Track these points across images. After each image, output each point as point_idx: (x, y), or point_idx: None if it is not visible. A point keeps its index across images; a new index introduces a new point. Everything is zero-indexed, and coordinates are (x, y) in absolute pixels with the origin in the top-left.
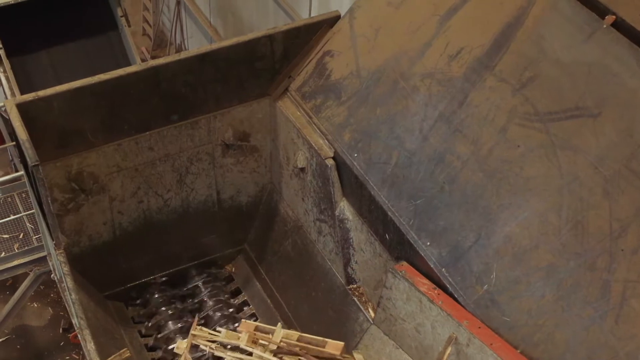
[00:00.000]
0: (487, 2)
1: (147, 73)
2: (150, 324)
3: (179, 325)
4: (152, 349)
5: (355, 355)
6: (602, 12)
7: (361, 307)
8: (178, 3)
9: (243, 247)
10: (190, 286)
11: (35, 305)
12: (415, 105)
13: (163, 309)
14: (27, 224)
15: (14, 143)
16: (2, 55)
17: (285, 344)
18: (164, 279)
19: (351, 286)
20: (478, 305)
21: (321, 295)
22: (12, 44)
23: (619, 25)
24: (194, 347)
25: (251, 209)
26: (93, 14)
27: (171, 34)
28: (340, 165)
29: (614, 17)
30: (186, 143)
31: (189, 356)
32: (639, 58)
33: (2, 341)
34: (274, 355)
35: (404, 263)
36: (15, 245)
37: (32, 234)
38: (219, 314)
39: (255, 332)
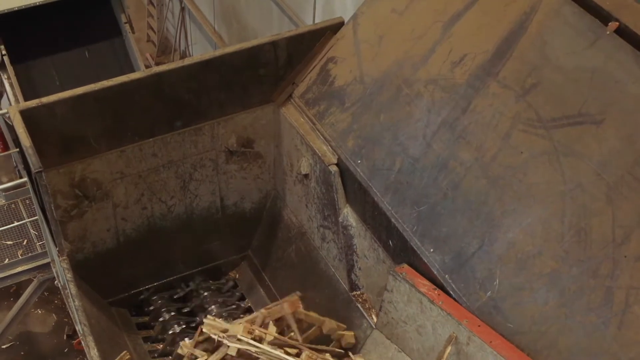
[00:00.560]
0: (490, 8)
1: (151, 79)
2: (154, 330)
3: (184, 330)
4: (158, 355)
5: (357, 359)
6: (605, 18)
7: (365, 313)
8: (182, 9)
9: (247, 253)
10: (194, 293)
11: (40, 311)
12: (418, 111)
13: (167, 315)
14: (31, 230)
15: (18, 149)
16: (6, 62)
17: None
18: (167, 285)
19: (355, 293)
20: (481, 311)
21: (325, 301)
22: (16, 50)
23: (622, 32)
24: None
25: (255, 216)
26: (97, 21)
27: (175, 40)
28: (344, 171)
29: (617, 23)
30: (190, 149)
31: (195, 351)
32: None
33: (6, 347)
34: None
35: (405, 265)
36: (19, 252)
37: (35, 241)
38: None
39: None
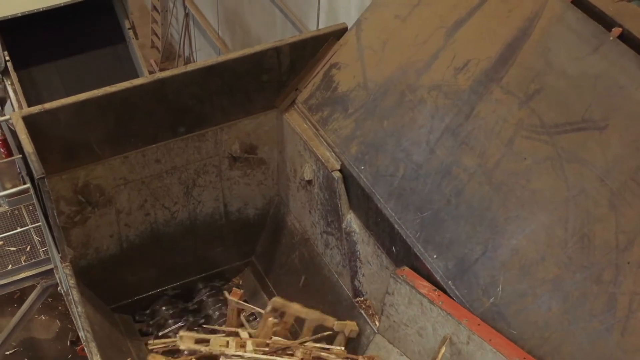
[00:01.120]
0: (493, 14)
1: (154, 85)
2: (157, 337)
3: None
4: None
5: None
6: (608, 24)
7: (368, 319)
8: (186, 15)
9: (250, 259)
10: (197, 299)
11: (43, 317)
12: (422, 117)
13: (170, 321)
14: (34, 236)
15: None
16: (9, 68)
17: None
18: (171, 291)
19: (358, 299)
20: (485, 318)
21: (328, 308)
22: (20, 56)
23: (626, 38)
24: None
25: (258, 222)
26: (101, 27)
27: (180, 46)
28: (347, 177)
29: (620, 29)
30: (193, 155)
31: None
32: None
33: (10, 354)
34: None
35: (405, 268)
36: (22, 258)
37: (39, 247)
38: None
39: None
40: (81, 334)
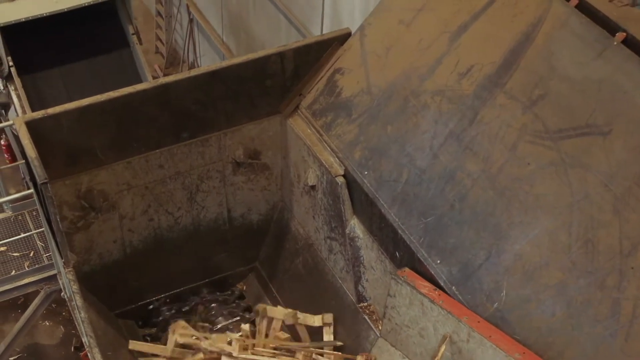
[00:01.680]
0: (497, 19)
1: (157, 90)
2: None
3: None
4: None
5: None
6: (612, 29)
7: (372, 325)
8: (191, 21)
9: (254, 265)
10: (201, 305)
11: (47, 323)
12: (425, 122)
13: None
14: (38, 242)
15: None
16: (13, 73)
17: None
18: (174, 297)
19: (362, 304)
20: (489, 323)
21: (332, 313)
22: (24, 61)
23: (630, 43)
24: None
25: (262, 227)
26: (104, 32)
27: (184, 52)
28: (351, 183)
29: (624, 34)
30: (196, 161)
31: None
32: None
33: (14, 359)
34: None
35: (406, 269)
36: (26, 264)
37: (42, 252)
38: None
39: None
40: (84, 339)
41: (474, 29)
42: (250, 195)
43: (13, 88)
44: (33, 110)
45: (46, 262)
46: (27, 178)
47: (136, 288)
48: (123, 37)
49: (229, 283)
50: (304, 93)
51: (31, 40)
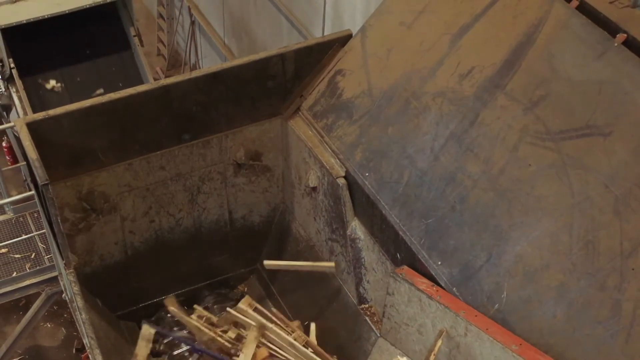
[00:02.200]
0: (498, 21)
1: (158, 92)
2: (162, 344)
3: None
4: None
5: None
6: (613, 30)
7: (373, 326)
8: (192, 23)
9: (256, 267)
10: (202, 306)
11: (49, 325)
12: (426, 124)
13: (175, 328)
14: (39, 243)
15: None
16: (15, 75)
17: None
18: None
19: (363, 306)
20: None
21: (333, 315)
22: (25, 63)
23: (630, 44)
24: None
25: (263, 229)
26: (106, 34)
27: (185, 54)
28: (352, 184)
29: (625, 35)
30: (198, 162)
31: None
32: None
33: None
34: None
35: (404, 267)
36: (27, 265)
37: (43, 254)
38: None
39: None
40: (85, 341)
41: (475, 30)
42: (252, 197)
43: (14, 90)
44: (34, 111)
45: (47, 264)
46: (28, 179)
47: (137, 290)
48: (125, 39)
49: (230, 285)
50: (305, 95)
51: (33, 42)
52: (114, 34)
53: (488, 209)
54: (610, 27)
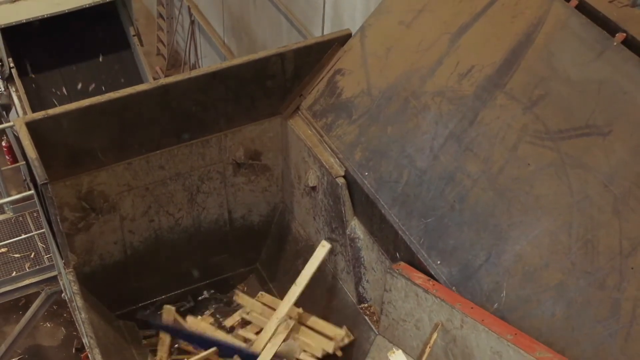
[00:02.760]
0: (497, 20)
1: (158, 91)
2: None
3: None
4: None
5: None
6: (612, 29)
7: (372, 326)
8: (192, 23)
9: (255, 266)
10: (201, 305)
11: (48, 325)
12: (426, 123)
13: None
14: (39, 243)
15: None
16: (14, 75)
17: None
18: (175, 298)
19: (362, 305)
20: None
21: (332, 314)
22: (25, 63)
23: (630, 43)
24: None
25: (263, 228)
26: (106, 33)
27: (185, 53)
28: (351, 183)
29: (624, 34)
30: (197, 162)
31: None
32: None
33: None
34: None
35: (401, 263)
36: (27, 265)
37: (43, 254)
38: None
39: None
40: (85, 340)
41: (474, 29)
42: (251, 197)
43: (14, 89)
44: (34, 111)
45: (47, 263)
46: (28, 179)
47: (137, 289)
48: (124, 38)
49: (230, 284)
50: (305, 94)
51: (32, 42)
52: (114, 33)
53: (487, 208)
54: (609, 27)
